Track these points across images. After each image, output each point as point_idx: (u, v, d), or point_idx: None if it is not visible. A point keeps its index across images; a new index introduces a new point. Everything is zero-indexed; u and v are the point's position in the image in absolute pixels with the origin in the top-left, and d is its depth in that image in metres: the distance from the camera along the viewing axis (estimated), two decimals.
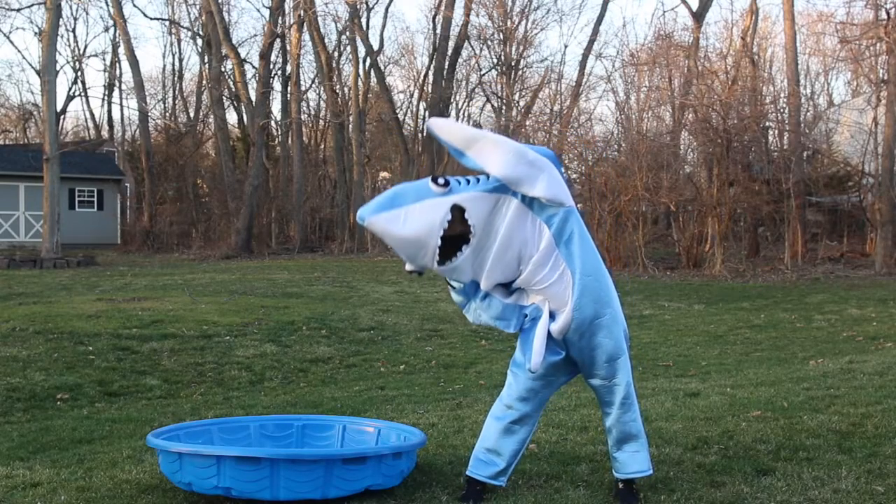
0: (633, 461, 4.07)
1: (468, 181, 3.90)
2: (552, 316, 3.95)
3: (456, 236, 3.82)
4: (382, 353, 10.21)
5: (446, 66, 32.08)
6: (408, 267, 3.96)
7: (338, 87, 34.04)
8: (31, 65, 53.39)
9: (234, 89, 33.88)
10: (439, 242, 3.78)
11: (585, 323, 3.92)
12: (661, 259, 22.40)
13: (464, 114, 38.73)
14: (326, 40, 32.96)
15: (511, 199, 3.87)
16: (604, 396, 4.11)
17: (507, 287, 4.04)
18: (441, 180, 3.84)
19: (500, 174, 3.80)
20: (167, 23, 43.57)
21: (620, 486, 4.10)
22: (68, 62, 42.91)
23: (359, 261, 24.71)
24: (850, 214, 26.71)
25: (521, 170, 3.79)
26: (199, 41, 38.38)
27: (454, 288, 4.10)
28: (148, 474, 4.54)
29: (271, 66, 32.15)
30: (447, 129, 3.96)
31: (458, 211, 3.81)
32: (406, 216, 3.76)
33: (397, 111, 35.98)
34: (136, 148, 39.25)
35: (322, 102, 38.77)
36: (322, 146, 41.13)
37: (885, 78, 22.30)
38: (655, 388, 7.05)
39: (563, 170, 4.03)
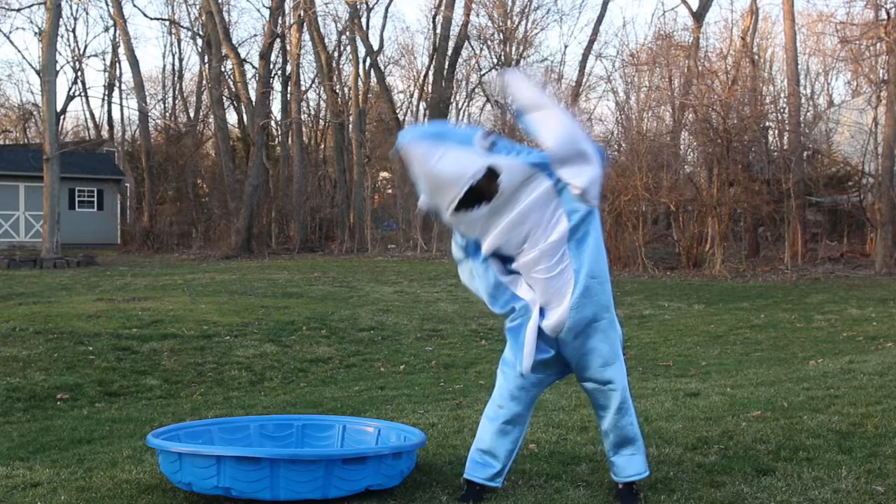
0: (630, 465, 4.07)
1: (514, 150, 3.86)
2: (542, 312, 3.93)
3: (480, 189, 3.79)
4: (382, 353, 10.21)
5: (446, 66, 32.08)
6: (421, 201, 3.94)
7: (338, 87, 34.04)
8: (31, 65, 53.63)
9: (234, 89, 33.87)
10: (462, 194, 3.75)
11: (582, 324, 3.90)
12: (661, 259, 22.40)
13: (464, 114, 38.76)
14: (326, 40, 32.99)
15: (544, 180, 3.84)
16: (599, 401, 4.09)
17: (505, 263, 4.02)
18: (490, 138, 3.80)
19: (551, 147, 3.79)
20: (167, 23, 43.62)
21: (620, 486, 4.10)
22: (68, 62, 43.00)
23: (359, 261, 24.71)
24: (850, 214, 26.70)
25: (572, 152, 3.78)
26: (199, 41, 38.38)
27: (458, 242, 4.08)
28: (148, 474, 4.54)
29: (271, 66, 32.13)
30: (520, 86, 3.94)
31: (492, 172, 3.77)
32: (444, 155, 3.71)
33: (397, 111, 36.02)
34: (136, 148, 39.25)
35: (322, 102, 38.83)
36: (322, 146, 41.15)
37: (885, 78, 22.29)
38: (655, 388, 7.05)
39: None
